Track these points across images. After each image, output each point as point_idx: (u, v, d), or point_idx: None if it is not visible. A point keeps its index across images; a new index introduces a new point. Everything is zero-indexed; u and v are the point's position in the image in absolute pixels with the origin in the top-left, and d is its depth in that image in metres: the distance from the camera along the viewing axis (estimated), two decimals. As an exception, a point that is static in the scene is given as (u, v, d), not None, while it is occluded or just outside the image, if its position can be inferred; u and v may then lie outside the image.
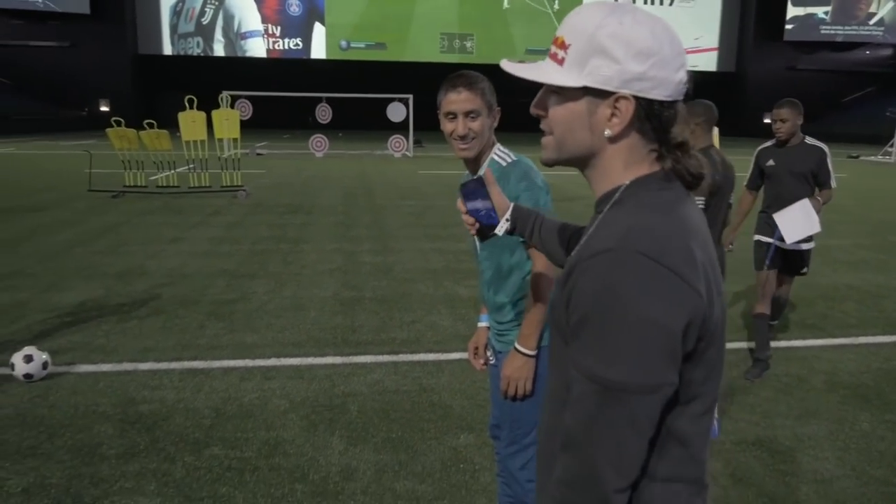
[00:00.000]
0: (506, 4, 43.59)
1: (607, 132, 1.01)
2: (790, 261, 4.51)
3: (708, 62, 45.42)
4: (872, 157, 26.29)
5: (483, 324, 2.38)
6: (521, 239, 1.58)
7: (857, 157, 26.51)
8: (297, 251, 7.73)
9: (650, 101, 0.98)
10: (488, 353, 2.34)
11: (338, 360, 4.46)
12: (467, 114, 1.99)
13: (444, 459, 3.22)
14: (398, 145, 23.01)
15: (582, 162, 1.07)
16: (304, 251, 7.74)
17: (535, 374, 2.04)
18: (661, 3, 44.61)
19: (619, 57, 0.96)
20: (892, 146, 25.92)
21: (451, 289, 6.25)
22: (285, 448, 3.28)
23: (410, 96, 22.80)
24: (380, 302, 5.78)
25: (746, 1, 45.72)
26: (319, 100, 22.12)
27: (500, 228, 1.49)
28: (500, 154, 2.09)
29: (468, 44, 43.67)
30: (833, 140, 35.62)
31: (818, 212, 4.19)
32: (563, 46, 1.01)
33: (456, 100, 1.98)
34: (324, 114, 22.08)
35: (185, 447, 3.26)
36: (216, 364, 4.34)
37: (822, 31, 45.82)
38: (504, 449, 2.21)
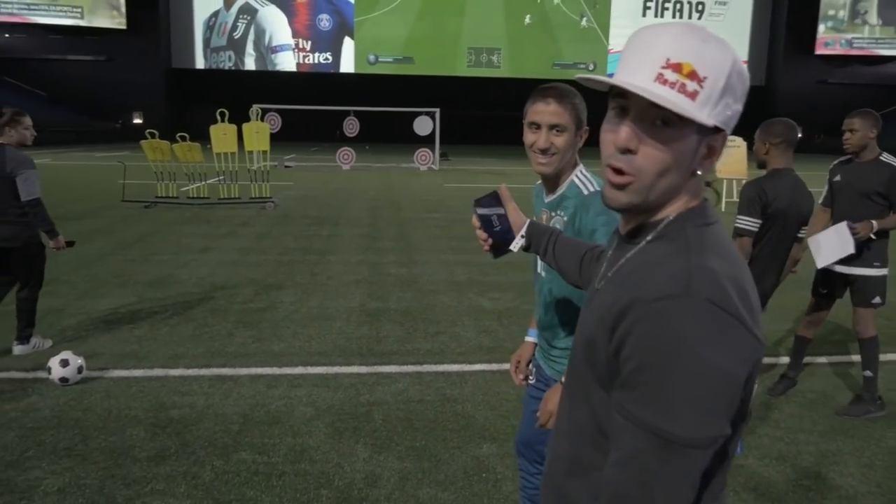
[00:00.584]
0: (527, 20, 43.69)
1: (699, 171, 0.98)
2: (833, 285, 4.13)
3: (737, 76, 45.07)
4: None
5: (531, 339, 2.32)
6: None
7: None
8: (323, 262, 7.84)
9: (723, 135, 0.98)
10: (531, 369, 2.29)
11: (363, 369, 4.53)
12: (552, 127, 1.84)
13: (467, 468, 3.25)
14: (424, 158, 23.18)
15: (658, 204, 1.00)
16: (330, 262, 7.85)
17: None
18: (690, 16, 44.49)
19: (739, 96, 0.95)
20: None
21: (475, 301, 6.30)
22: (311, 454, 3.35)
23: (437, 110, 23.02)
24: (404, 313, 5.85)
25: (777, 14, 45.38)
26: (347, 113, 22.41)
27: (515, 245, 1.47)
28: (583, 178, 1.94)
29: (495, 58, 43.90)
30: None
31: (875, 233, 3.85)
32: (697, 79, 0.91)
33: (543, 111, 1.84)
34: (351, 127, 22.36)
35: (214, 451, 3.35)
36: (244, 371, 4.44)
37: (855, 45, 45.30)
38: (540, 466, 2.21)
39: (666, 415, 0.84)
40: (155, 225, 10.22)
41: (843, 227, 3.88)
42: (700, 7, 44.82)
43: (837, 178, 4.07)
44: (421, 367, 4.59)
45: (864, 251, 3.93)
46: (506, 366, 4.64)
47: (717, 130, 0.95)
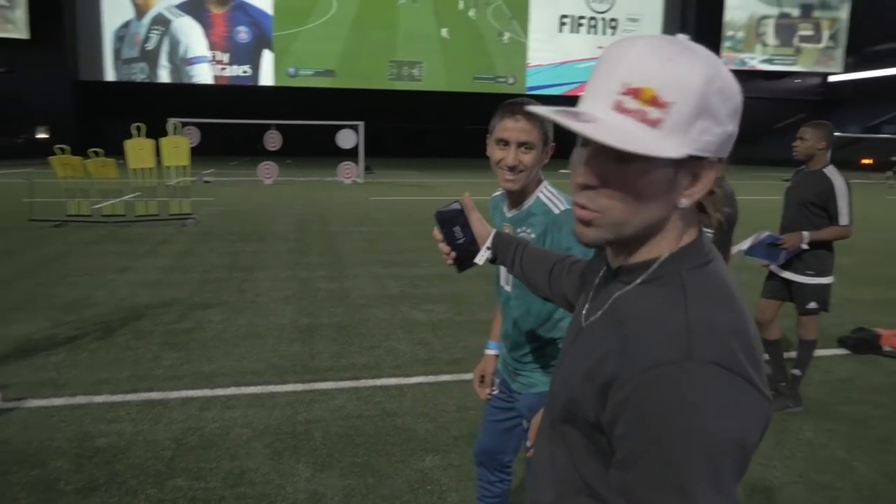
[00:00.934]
0: (444, 33, 44.13)
1: (683, 202, 0.86)
2: (775, 287, 4.32)
3: (647, 90, 46.81)
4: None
5: (491, 351, 2.32)
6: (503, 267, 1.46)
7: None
8: (251, 279, 7.66)
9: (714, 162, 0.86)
10: (495, 381, 2.29)
11: (299, 387, 4.45)
12: (521, 144, 1.83)
13: (412, 482, 3.25)
14: (348, 172, 23.02)
15: (638, 239, 0.90)
16: (258, 279, 7.67)
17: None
18: (605, 32, 46.11)
19: (722, 117, 0.82)
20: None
21: (409, 314, 6.30)
22: (251, 476, 3.26)
23: (361, 123, 22.92)
24: (338, 328, 5.79)
25: (686, 27, 47.60)
26: (268, 127, 22.01)
27: (481, 258, 1.38)
28: (549, 195, 1.94)
29: (416, 71, 44.16)
30: (771, 164, 36.98)
31: (806, 244, 4.00)
32: (659, 104, 0.80)
33: (512, 128, 1.81)
34: (273, 141, 21.98)
35: (147, 480, 3.21)
36: (174, 394, 4.28)
37: (751, 63, 48.20)
38: (500, 474, 2.23)
39: (683, 495, 0.75)
40: (67, 245, 9.72)
41: (762, 236, 4.10)
42: (613, 23, 46.49)
43: (789, 184, 4.24)
44: (358, 382, 4.55)
45: (799, 259, 4.11)
46: (443, 377, 4.67)
47: (700, 158, 0.83)
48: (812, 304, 4.17)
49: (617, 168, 0.83)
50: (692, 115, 0.80)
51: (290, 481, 3.22)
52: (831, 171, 4.00)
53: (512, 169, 1.84)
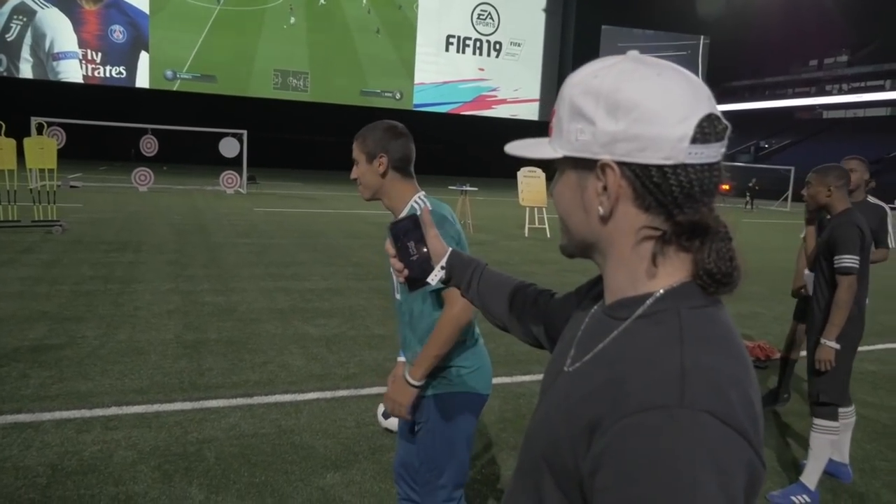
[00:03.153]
0: (330, 47, 43.67)
1: (600, 210, 0.82)
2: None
3: (530, 112, 48.73)
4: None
5: (402, 358, 2.41)
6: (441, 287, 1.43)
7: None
8: (128, 291, 7.21)
9: (646, 168, 0.78)
10: None
11: (187, 405, 4.23)
12: (354, 161, 2.17)
13: (313, 500, 3.17)
14: (231, 181, 22.23)
15: (590, 250, 0.88)
16: (136, 291, 7.23)
17: (430, 420, 2.15)
18: (489, 54, 47.48)
19: (590, 115, 0.80)
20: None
21: (301, 328, 6.16)
22: (138, 502, 3.07)
23: (245, 132, 22.24)
24: (227, 343, 5.56)
25: (564, 52, 49.86)
26: (144, 131, 20.85)
27: (434, 277, 1.30)
28: (419, 202, 2.17)
29: (301, 82, 43.43)
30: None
31: None
32: (553, 115, 0.87)
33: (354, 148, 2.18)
34: (149, 146, 20.82)
35: (20, 510, 2.94)
36: (46, 416, 3.95)
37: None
38: (421, 488, 2.24)
39: None
40: None
41: None
42: (497, 46, 47.96)
43: None
44: (251, 400, 4.40)
45: None
46: (340, 392, 4.61)
47: (590, 164, 0.82)
48: None
49: (557, 176, 0.89)
50: (566, 118, 0.83)
51: (183, 505, 3.06)
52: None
53: (356, 182, 2.19)
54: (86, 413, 4.02)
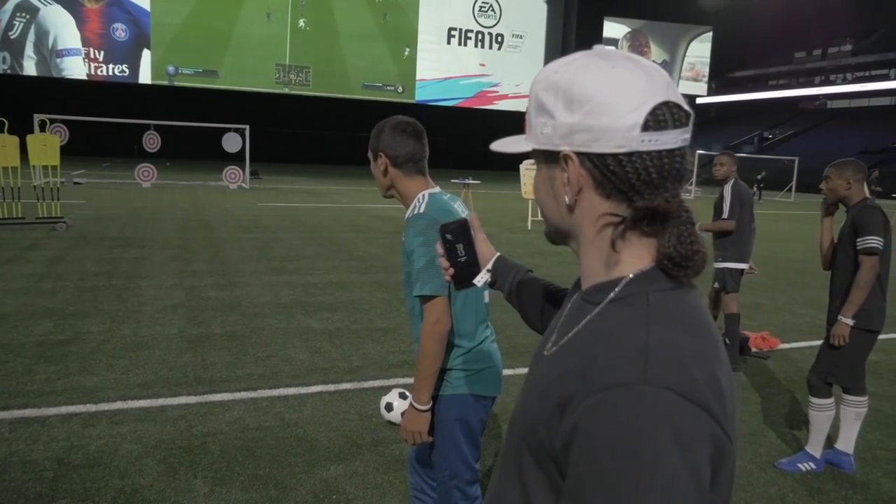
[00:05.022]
0: (332, 40, 43.57)
1: (566, 199, 0.87)
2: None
3: (532, 105, 48.38)
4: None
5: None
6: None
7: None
8: (132, 287, 7.25)
9: (602, 157, 0.81)
10: None
11: (192, 399, 4.27)
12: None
13: (316, 492, 3.20)
14: (234, 176, 22.30)
15: (565, 237, 0.93)
16: (140, 287, 7.27)
17: (433, 422, 2.11)
18: (491, 47, 47.35)
19: (551, 109, 0.84)
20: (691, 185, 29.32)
21: (304, 322, 6.19)
22: (144, 495, 3.10)
23: (247, 127, 22.26)
24: (230, 338, 5.59)
25: (566, 44, 49.73)
26: (147, 127, 20.90)
27: (480, 279, 1.35)
28: (419, 201, 2.11)
29: (303, 76, 43.37)
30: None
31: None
32: (528, 111, 0.92)
33: None
34: (152, 142, 20.88)
35: (28, 503, 2.97)
36: (52, 411, 3.98)
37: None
38: (438, 486, 2.24)
39: None
40: (-85, 250, 8.79)
41: None
42: (500, 38, 47.80)
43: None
44: (255, 393, 4.43)
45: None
46: (343, 386, 4.63)
47: (555, 156, 0.86)
48: (716, 284, 5.47)
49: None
50: (534, 113, 0.88)
51: (188, 497, 3.09)
52: (732, 187, 5.31)
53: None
54: (91, 407, 4.05)
